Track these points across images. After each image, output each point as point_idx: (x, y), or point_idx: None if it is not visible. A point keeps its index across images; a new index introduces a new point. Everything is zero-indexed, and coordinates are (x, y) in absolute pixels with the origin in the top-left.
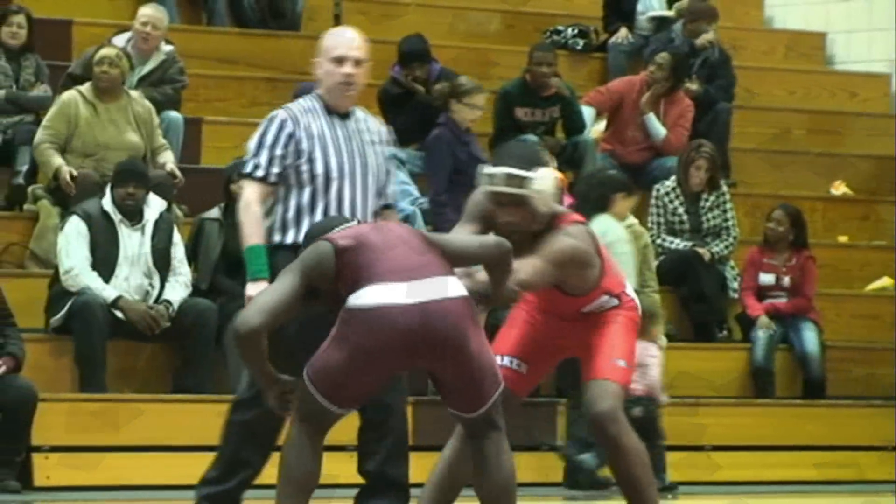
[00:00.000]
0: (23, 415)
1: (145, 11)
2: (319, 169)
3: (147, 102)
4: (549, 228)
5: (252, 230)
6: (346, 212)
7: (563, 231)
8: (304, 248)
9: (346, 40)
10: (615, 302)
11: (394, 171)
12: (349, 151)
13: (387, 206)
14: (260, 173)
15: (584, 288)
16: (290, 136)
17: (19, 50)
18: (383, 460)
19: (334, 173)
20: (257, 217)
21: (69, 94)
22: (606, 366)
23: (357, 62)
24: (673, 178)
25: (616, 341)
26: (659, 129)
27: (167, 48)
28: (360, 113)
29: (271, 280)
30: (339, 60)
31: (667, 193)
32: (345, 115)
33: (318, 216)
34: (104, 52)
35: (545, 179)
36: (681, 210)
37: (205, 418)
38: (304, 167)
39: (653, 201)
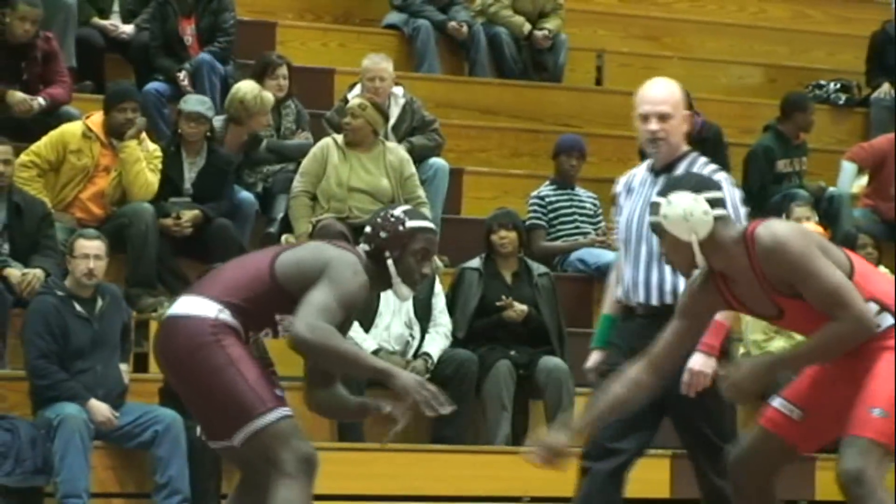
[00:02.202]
0: None
1: (365, 64)
2: (619, 229)
3: (402, 153)
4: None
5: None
6: (625, 280)
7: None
8: None
9: (648, 97)
10: (890, 320)
11: None
12: (640, 213)
13: None
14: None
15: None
16: (616, 195)
17: (280, 98)
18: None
19: (621, 234)
20: (608, 284)
21: (324, 141)
22: (859, 417)
23: (662, 117)
24: None
25: (877, 384)
26: None
27: (397, 90)
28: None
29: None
30: (644, 118)
31: None
32: (665, 171)
33: (625, 280)
34: (350, 102)
35: (677, 204)
36: None
37: (464, 469)
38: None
39: None
